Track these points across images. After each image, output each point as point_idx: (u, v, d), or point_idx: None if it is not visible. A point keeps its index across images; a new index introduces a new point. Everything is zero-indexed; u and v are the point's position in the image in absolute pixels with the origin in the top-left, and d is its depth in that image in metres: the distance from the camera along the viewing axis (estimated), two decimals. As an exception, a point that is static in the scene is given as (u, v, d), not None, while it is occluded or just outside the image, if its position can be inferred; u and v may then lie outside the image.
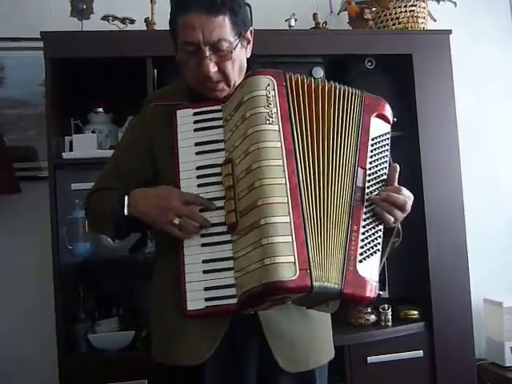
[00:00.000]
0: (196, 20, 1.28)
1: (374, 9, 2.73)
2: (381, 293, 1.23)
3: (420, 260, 2.55)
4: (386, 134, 1.35)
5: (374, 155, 1.32)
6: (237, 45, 1.32)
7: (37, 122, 2.63)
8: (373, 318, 2.52)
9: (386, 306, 2.52)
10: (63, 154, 2.36)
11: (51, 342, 2.27)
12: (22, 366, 2.54)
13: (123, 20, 2.50)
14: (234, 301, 1.20)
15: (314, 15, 2.72)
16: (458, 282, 2.55)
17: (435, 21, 2.79)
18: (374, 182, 1.30)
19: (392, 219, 1.28)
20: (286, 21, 2.65)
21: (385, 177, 1.32)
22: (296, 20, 2.67)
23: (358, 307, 2.46)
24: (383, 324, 2.52)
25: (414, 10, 2.67)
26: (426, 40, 2.61)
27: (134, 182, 1.41)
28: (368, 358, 2.42)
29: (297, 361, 1.35)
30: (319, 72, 2.46)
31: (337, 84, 1.32)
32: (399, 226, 1.36)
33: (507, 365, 2.74)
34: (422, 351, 2.49)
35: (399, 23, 2.67)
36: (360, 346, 2.42)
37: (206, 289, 1.22)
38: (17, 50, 2.65)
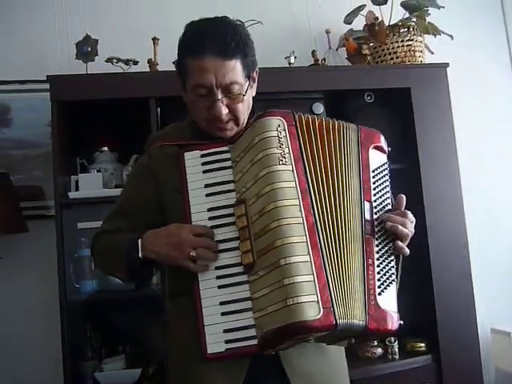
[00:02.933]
0: (210, 64, 1.29)
1: (371, 44, 2.78)
2: (401, 322, 1.24)
3: (425, 292, 2.54)
4: (384, 164, 1.38)
5: (377, 186, 1.34)
6: (247, 87, 1.36)
7: (43, 162, 2.67)
8: (379, 351, 2.51)
9: (392, 338, 2.51)
10: (69, 193, 2.39)
11: (58, 380, 2.27)
12: (30, 404, 2.54)
13: (127, 61, 2.55)
14: (254, 342, 1.20)
15: (313, 52, 2.77)
16: (464, 313, 2.54)
17: (433, 53, 2.84)
18: (381, 212, 1.32)
19: (406, 233, 1.30)
20: (285, 58, 2.70)
21: (389, 207, 1.35)
22: (295, 57, 2.71)
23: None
24: (390, 357, 2.50)
25: (411, 44, 2.72)
26: (423, 73, 2.65)
27: (140, 224, 1.41)
28: (376, 391, 2.40)
29: None
30: (319, 108, 2.50)
31: (335, 120, 1.34)
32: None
33: (518, 395, 2.72)
34: (430, 384, 2.47)
35: (397, 57, 2.72)
36: (368, 380, 2.39)
37: (226, 331, 1.22)
38: (23, 92, 2.71)
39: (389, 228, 1.29)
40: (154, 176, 1.42)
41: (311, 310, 1.12)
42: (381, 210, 1.32)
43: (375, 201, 1.32)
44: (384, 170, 1.38)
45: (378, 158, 1.37)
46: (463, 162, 2.68)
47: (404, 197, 1.35)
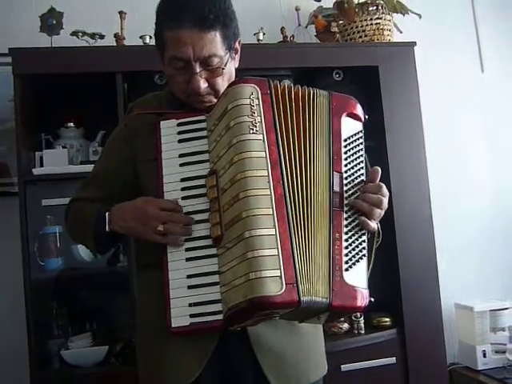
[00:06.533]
0: (187, 36, 1.24)
1: (340, 22, 2.78)
2: (371, 299, 1.19)
3: (390, 267, 2.58)
4: (358, 132, 1.31)
5: (349, 156, 1.27)
6: (227, 59, 1.30)
7: (8, 138, 2.60)
8: (346, 326, 2.55)
9: (358, 314, 2.55)
10: (33, 169, 2.35)
11: (24, 358, 2.24)
12: (-5, 383, 2.51)
13: (93, 35, 2.50)
14: (219, 317, 1.17)
15: (282, 29, 2.76)
16: (428, 289, 2.59)
17: (401, 32, 2.86)
18: (352, 184, 1.26)
19: (373, 223, 1.25)
20: (254, 35, 2.69)
21: (363, 177, 1.28)
22: (264, 34, 2.71)
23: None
24: (356, 332, 2.55)
25: (379, 23, 2.73)
26: (391, 52, 2.67)
27: (114, 194, 1.39)
28: (342, 366, 2.43)
29: (287, 377, 1.30)
30: (288, 85, 2.49)
31: (309, 88, 1.29)
32: (379, 225, 1.31)
33: (479, 368, 2.78)
34: (394, 358, 2.52)
35: (365, 36, 2.73)
36: (333, 354, 2.37)
37: (191, 305, 1.18)
38: (-14, 65, 2.64)
39: (352, 204, 1.23)
40: (130, 145, 1.39)
41: (273, 285, 1.07)
42: (352, 181, 1.26)
43: (346, 172, 1.25)
44: (358, 138, 1.30)
45: (352, 126, 1.30)
46: (429, 140, 2.71)
47: (379, 169, 1.29)
